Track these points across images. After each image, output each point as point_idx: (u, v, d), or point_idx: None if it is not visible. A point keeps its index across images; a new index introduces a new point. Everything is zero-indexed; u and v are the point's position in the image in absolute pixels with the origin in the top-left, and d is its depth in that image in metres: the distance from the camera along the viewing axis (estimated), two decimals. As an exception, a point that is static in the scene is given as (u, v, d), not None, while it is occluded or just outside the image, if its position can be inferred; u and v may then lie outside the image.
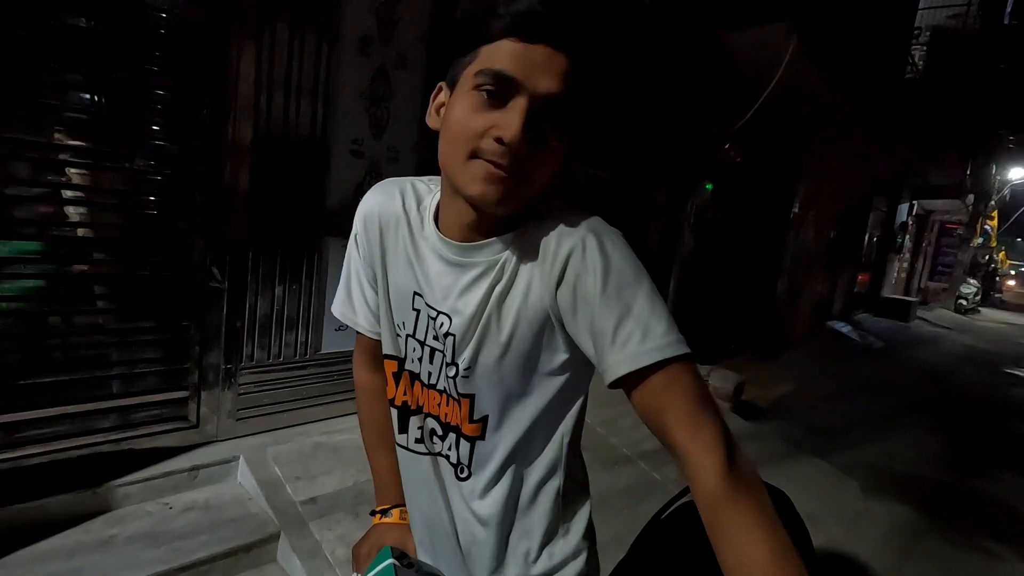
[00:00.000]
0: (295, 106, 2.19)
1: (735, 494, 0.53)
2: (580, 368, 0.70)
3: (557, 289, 0.63)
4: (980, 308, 14.79)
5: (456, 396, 0.72)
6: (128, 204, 1.96)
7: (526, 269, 0.65)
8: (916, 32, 8.87)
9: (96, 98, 1.84)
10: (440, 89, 0.67)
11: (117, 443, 1.95)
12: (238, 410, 2.22)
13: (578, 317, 0.62)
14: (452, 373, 0.71)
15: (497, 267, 0.66)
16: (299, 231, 2.30)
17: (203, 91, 1.96)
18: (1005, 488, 3.74)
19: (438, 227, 0.70)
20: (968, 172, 11.37)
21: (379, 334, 0.82)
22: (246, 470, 2.10)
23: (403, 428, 0.80)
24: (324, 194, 2.36)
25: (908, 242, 12.29)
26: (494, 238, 0.66)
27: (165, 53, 1.91)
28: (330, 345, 2.48)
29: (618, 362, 0.59)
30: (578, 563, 0.76)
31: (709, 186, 4.83)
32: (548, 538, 0.75)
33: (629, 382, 0.59)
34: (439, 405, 0.75)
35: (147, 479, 1.91)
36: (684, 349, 0.59)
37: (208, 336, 2.11)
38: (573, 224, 0.64)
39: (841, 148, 6.77)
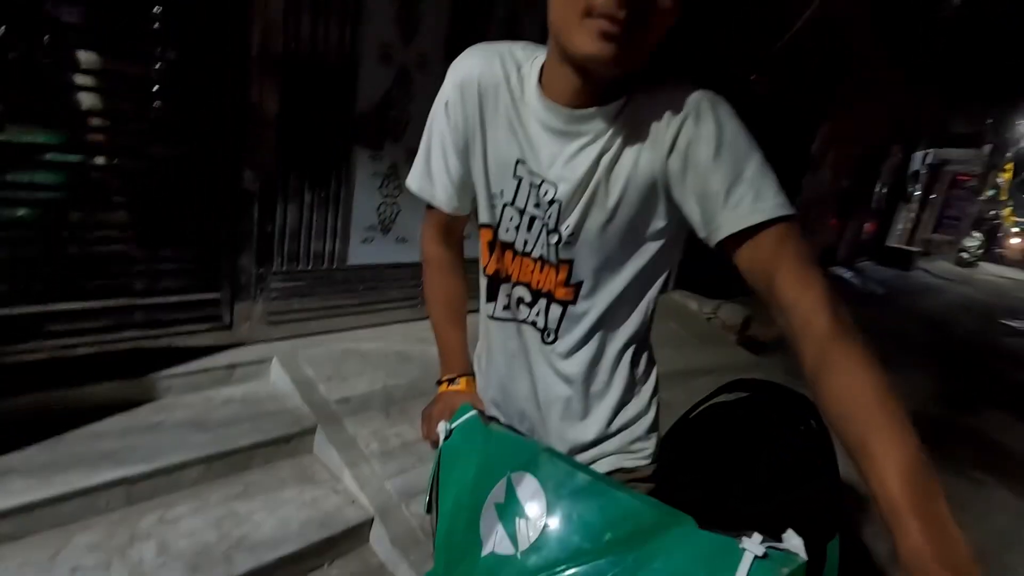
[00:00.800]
0: (324, 8, 2.09)
1: (844, 336, 0.56)
2: (675, 238, 0.72)
3: (669, 155, 0.63)
4: (981, 262, 14.83)
5: (555, 262, 0.73)
6: (150, 96, 1.89)
7: (635, 136, 0.65)
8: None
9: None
10: None
11: (155, 339, 2.01)
12: (269, 314, 2.27)
13: (687, 182, 0.63)
14: (554, 240, 0.72)
15: (606, 135, 0.66)
16: (327, 138, 2.26)
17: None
18: (991, 424, 3.91)
19: (543, 93, 0.69)
20: (990, 121, 11.07)
21: (456, 209, 0.83)
22: (280, 370, 2.17)
23: (492, 297, 0.82)
24: (353, 101, 2.30)
25: (918, 192, 12.15)
26: (602, 106, 0.65)
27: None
28: (356, 257, 2.50)
29: (731, 220, 0.61)
30: (647, 419, 0.81)
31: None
32: (626, 396, 0.79)
33: (738, 240, 0.61)
34: (532, 272, 0.76)
35: (187, 373, 1.99)
36: (792, 210, 0.61)
37: (240, 239, 2.13)
38: (684, 93, 0.64)
39: (867, 89, 6.56)
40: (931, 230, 14.06)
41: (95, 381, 1.80)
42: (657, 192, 0.67)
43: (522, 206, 0.74)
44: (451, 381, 0.93)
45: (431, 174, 0.82)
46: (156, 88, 1.86)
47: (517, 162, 0.72)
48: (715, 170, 0.61)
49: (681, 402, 1.43)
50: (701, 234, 0.65)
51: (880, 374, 0.55)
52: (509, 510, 0.54)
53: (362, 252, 2.51)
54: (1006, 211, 18.07)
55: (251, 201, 2.10)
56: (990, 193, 15.14)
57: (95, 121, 1.78)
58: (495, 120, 0.73)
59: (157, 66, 1.84)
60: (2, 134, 1.60)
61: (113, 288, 1.89)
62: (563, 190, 0.69)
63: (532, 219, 0.74)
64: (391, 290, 2.68)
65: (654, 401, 0.83)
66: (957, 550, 0.45)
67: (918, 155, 10.82)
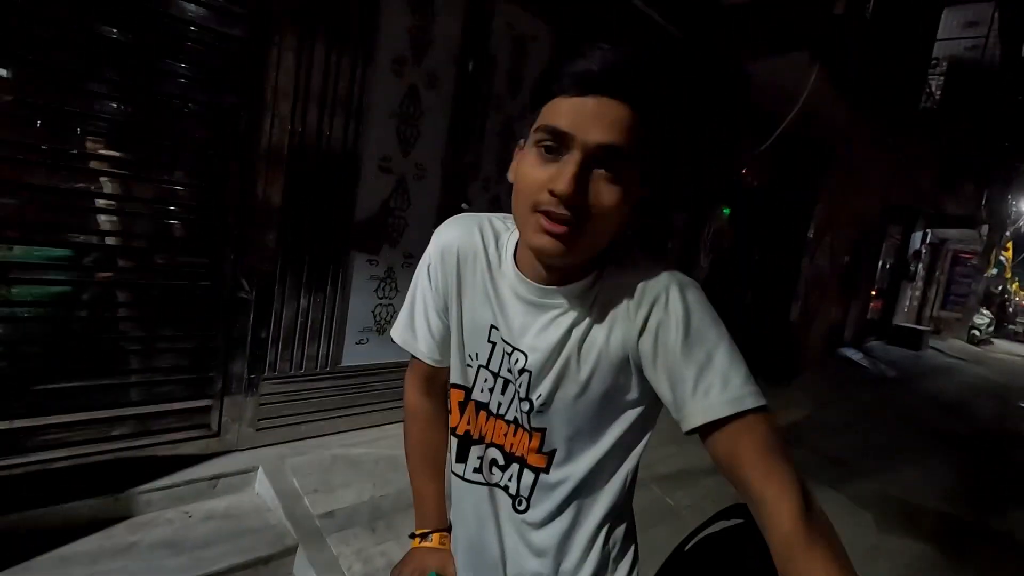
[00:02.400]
0: (329, 123, 2.23)
1: (810, 540, 0.54)
2: (650, 410, 0.72)
3: (640, 336, 0.65)
4: (993, 340, 14.63)
5: (528, 428, 0.73)
6: (160, 214, 2.00)
7: (608, 313, 0.68)
8: (934, 63, 8.90)
9: (132, 109, 1.87)
10: (519, 147, 0.69)
11: (140, 449, 1.97)
12: (258, 420, 2.24)
13: (658, 365, 0.64)
14: (526, 408, 0.72)
15: (578, 310, 0.68)
16: (326, 244, 2.33)
17: (240, 107, 2.01)
18: (1018, 525, 3.68)
19: (517, 266, 0.72)
20: (983, 202, 11.33)
21: (437, 361, 0.84)
22: (265, 481, 2.11)
23: (462, 458, 0.81)
24: (352, 209, 2.39)
25: (921, 271, 12.21)
26: (573, 283, 0.68)
27: (204, 67, 1.95)
28: (350, 358, 2.50)
29: (698, 411, 0.61)
30: None
31: (727, 210, 4.85)
32: (602, 565, 0.76)
33: (707, 430, 0.61)
34: (505, 435, 0.76)
35: (169, 486, 1.93)
36: (762, 400, 0.61)
37: (233, 346, 2.14)
38: (654, 274, 0.66)
39: (857, 175, 6.78)
40: (939, 307, 13.99)
41: (72, 498, 1.76)
42: (630, 368, 0.68)
43: (496, 369, 0.75)
44: (424, 536, 0.91)
45: (414, 327, 0.85)
46: (167, 208, 1.96)
47: (491, 327, 0.74)
48: (684, 355, 0.62)
49: (684, 506, 1.36)
50: (674, 416, 0.65)
51: None
52: None
53: (356, 353, 2.52)
54: (1014, 286, 18.07)
55: (247, 308, 2.14)
56: (994, 271, 15.20)
57: (108, 239, 1.86)
58: (472, 286, 0.76)
59: (171, 187, 1.94)
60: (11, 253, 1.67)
61: (100, 399, 1.89)
62: (533, 360, 0.70)
63: (506, 383, 0.74)
64: (385, 389, 2.65)
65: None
66: None
67: (917, 235, 10.99)
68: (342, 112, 2.26)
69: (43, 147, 1.71)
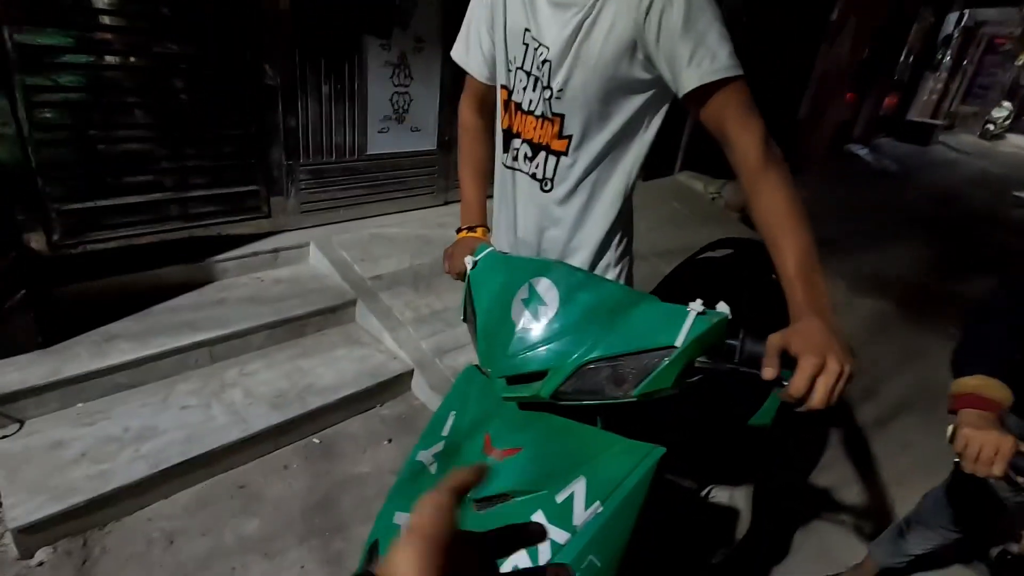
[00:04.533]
0: None
1: (769, 167, 0.77)
2: (653, 100, 0.88)
3: (645, 18, 0.77)
4: (1008, 134, 14.26)
5: (549, 116, 0.91)
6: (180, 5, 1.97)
7: (612, 3, 0.79)
8: None
9: None
10: None
11: (207, 228, 2.24)
12: (302, 204, 2.49)
13: (660, 43, 0.77)
14: (547, 96, 0.88)
15: (589, 4, 0.81)
16: (338, 28, 2.32)
17: None
18: (974, 288, 4.14)
19: None
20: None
21: (488, 78, 1.01)
22: (317, 253, 2.43)
23: (506, 148, 1.01)
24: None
25: (948, 59, 11.44)
26: None
27: None
28: (375, 146, 2.65)
29: (693, 77, 0.76)
30: (621, 267, 1.03)
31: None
32: (605, 244, 0.99)
33: (698, 94, 0.77)
34: (533, 129, 0.94)
35: (238, 257, 2.25)
36: (740, 71, 0.77)
37: (269, 135, 2.28)
38: None
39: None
40: (959, 101, 13.41)
41: (163, 265, 2.07)
42: (635, 51, 0.81)
43: (528, 68, 0.91)
44: (470, 229, 1.14)
45: (469, 46, 1.02)
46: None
47: (525, 31, 0.89)
48: (683, 35, 0.75)
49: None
50: (671, 88, 0.82)
51: (793, 193, 0.76)
52: (532, 301, 0.77)
53: (380, 142, 2.66)
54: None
55: (274, 96, 2.23)
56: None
57: (106, 20, 1.85)
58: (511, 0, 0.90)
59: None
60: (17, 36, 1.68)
61: (161, 184, 2.10)
62: (553, 51, 0.85)
63: (535, 80, 0.90)
64: (409, 177, 2.85)
65: (626, 255, 1.03)
66: (822, 300, 0.69)
67: (952, 17, 10.08)
68: None
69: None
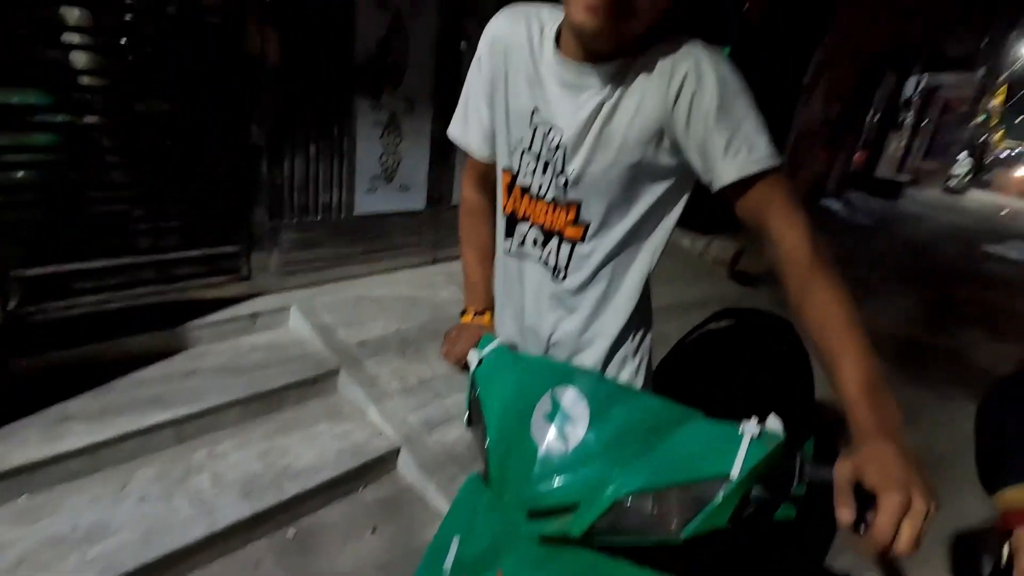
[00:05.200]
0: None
1: (822, 267, 0.69)
2: (680, 183, 0.81)
3: (674, 105, 0.71)
4: (969, 189, 14.93)
5: (564, 202, 0.82)
6: (155, 50, 1.90)
7: (638, 87, 0.73)
8: None
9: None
10: None
11: (181, 291, 2.11)
12: (284, 264, 2.37)
13: (691, 130, 0.71)
14: (562, 182, 0.80)
15: (609, 86, 0.74)
16: (328, 88, 2.28)
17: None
18: (962, 343, 4.17)
19: (559, 49, 0.77)
20: (984, 43, 10.87)
21: (488, 156, 0.94)
22: (299, 317, 2.30)
23: (509, 233, 0.92)
24: (350, 50, 2.30)
25: (910, 119, 12.06)
26: (608, 61, 0.73)
27: None
28: (363, 207, 2.57)
29: (729, 170, 0.70)
30: (639, 358, 0.93)
31: (727, 49, 4.65)
32: (622, 336, 0.90)
33: (735, 188, 0.71)
34: (545, 214, 0.86)
35: (215, 323, 2.11)
36: (780, 160, 0.71)
37: (252, 192, 2.19)
38: (686, 47, 0.71)
39: (862, 14, 6.42)
40: (921, 158, 14.06)
41: (130, 334, 1.92)
42: (661, 138, 0.75)
43: (537, 151, 0.83)
44: (478, 313, 1.05)
45: (468, 123, 0.94)
46: (148, 43, 1.86)
47: (533, 111, 0.82)
48: (717, 122, 0.69)
49: (675, 334, 1.57)
50: (703, 179, 0.74)
51: (850, 300, 0.67)
52: (556, 416, 0.67)
53: (368, 201, 2.59)
54: (997, 135, 18.01)
55: (259, 155, 2.16)
56: (981, 118, 15.07)
57: (85, 79, 1.78)
58: (517, 75, 0.83)
59: (147, 20, 1.84)
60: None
61: (135, 246, 1.98)
62: (568, 135, 0.78)
63: (546, 164, 0.83)
64: (397, 237, 2.77)
65: (645, 344, 0.93)
66: (893, 422, 0.60)
67: (911, 81, 10.69)
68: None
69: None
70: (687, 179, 0.80)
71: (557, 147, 0.80)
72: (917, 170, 13.71)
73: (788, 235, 0.70)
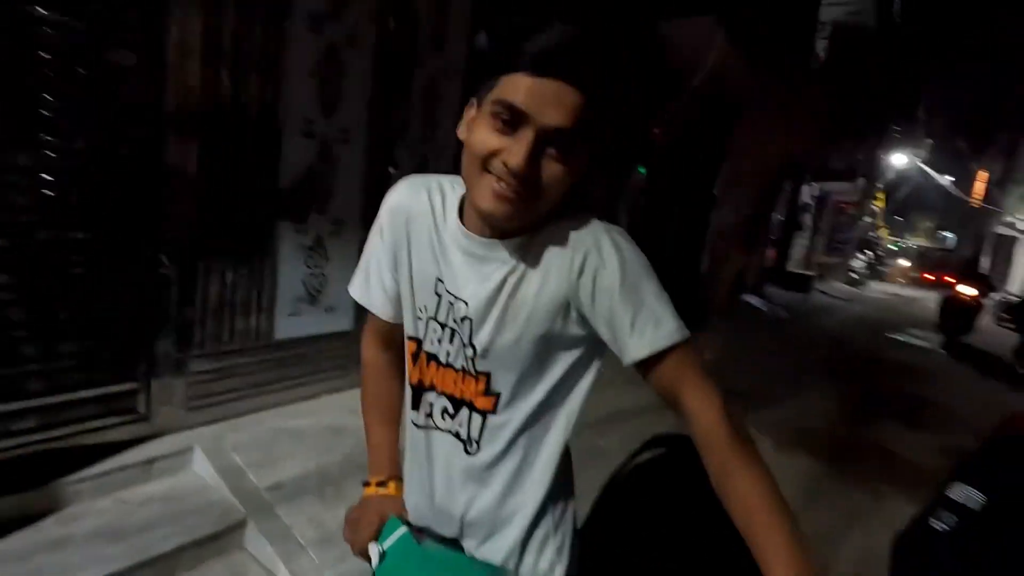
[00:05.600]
0: (243, 84, 2.10)
1: (739, 446, 0.67)
2: (590, 351, 0.78)
3: (578, 280, 0.71)
4: (868, 280, 16.51)
5: (474, 373, 0.78)
6: (67, 185, 1.81)
7: (542, 263, 0.74)
8: (820, 26, 9.58)
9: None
10: (472, 105, 0.73)
11: (62, 440, 1.85)
12: (190, 400, 2.16)
13: (596, 306, 0.71)
14: (470, 354, 0.78)
15: (515, 260, 0.74)
16: (250, 213, 2.23)
17: (144, 65, 1.85)
18: (886, 436, 4.34)
19: (462, 222, 0.77)
20: (861, 157, 12.58)
21: (393, 316, 0.89)
22: (203, 460, 2.06)
23: (415, 405, 0.86)
24: (276, 175, 2.29)
25: (809, 221, 13.46)
26: (512, 237, 0.74)
27: (94, 21, 1.76)
28: (284, 331, 2.44)
29: (638, 347, 0.70)
30: (561, 535, 0.84)
31: (642, 169, 5.07)
32: (542, 511, 0.82)
33: (647, 363, 0.70)
34: (454, 383, 0.81)
35: (99, 475, 1.84)
36: (687, 333, 0.71)
37: (157, 324, 2.03)
38: (586, 224, 0.73)
39: (758, 132, 7.28)
40: (822, 254, 15.55)
41: (-11, 496, 1.64)
42: (568, 310, 0.74)
43: (443, 320, 0.80)
44: (381, 484, 0.94)
45: (370, 286, 0.90)
46: (52, 173, 1.76)
47: (437, 280, 0.80)
48: (621, 297, 0.70)
49: (615, 450, 1.50)
50: (614, 350, 0.73)
51: (772, 484, 0.66)
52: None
53: (290, 325, 2.46)
54: (883, 232, 20.37)
55: (167, 285, 2.02)
56: (868, 219, 17.05)
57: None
58: (420, 244, 0.81)
59: (54, 150, 1.76)
60: None
61: (16, 388, 1.74)
62: (473, 307, 0.76)
63: (453, 333, 0.80)
64: (322, 360, 2.63)
65: (567, 516, 0.86)
66: None
67: (806, 188, 12.05)
68: (257, 72, 2.14)
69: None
70: (599, 344, 0.78)
71: (464, 319, 0.78)
72: (821, 265, 15.10)
73: (704, 413, 0.69)
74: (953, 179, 18.05)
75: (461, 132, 0.74)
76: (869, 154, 13.58)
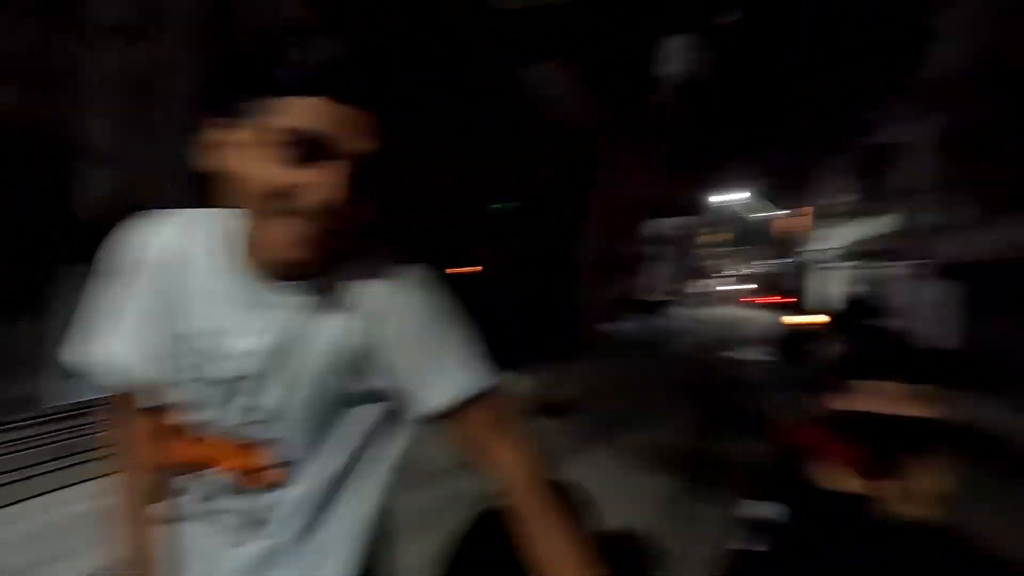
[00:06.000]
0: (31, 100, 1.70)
1: (548, 500, 0.66)
2: (397, 408, 0.68)
3: (371, 328, 0.63)
4: (714, 303, 18.52)
5: (261, 442, 0.65)
6: None
7: (335, 308, 0.63)
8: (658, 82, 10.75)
9: None
10: (216, 125, 0.58)
11: None
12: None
13: (394, 355, 0.64)
14: (253, 418, 0.64)
15: (302, 306, 0.63)
16: (33, 256, 1.79)
17: None
18: (734, 448, 4.69)
19: (238, 264, 0.63)
20: (699, 196, 14.21)
21: (150, 380, 0.68)
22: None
23: (186, 490, 0.69)
24: (61, 208, 1.88)
25: (666, 254, 14.86)
26: (299, 280, 0.62)
27: None
28: (60, 397, 1.97)
29: (440, 395, 0.64)
30: None
31: (512, 206, 5.14)
32: None
33: (450, 414, 0.65)
34: (236, 455, 0.65)
35: None
36: (495, 380, 0.67)
37: None
38: (383, 264, 0.65)
39: (616, 172, 7.86)
40: (675, 282, 17.21)
41: None
42: (365, 361, 0.64)
43: (218, 379, 0.64)
44: None
45: (120, 343, 0.68)
46: None
47: (207, 334, 0.63)
48: (420, 345, 0.65)
49: (477, 494, 1.37)
50: (412, 405, 0.66)
51: (577, 541, 0.64)
52: None
53: (67, 391, 2.00)
54: (726, 261, 23.15)
55: None
56: (713, 250, 19.25)
57: None
58: (183, 291, 0.65)
59: None
60: None
61: None
62: (254, 362, 0.63)
63: (231, 394, 0.64)
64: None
65: None
66: None
67: (662, 224, 13.30)
68: (51, 89, 1.75)
69: None
70: (401, 406, 0.69)
71: (241, 377, 0.63)
72: (676, 292, 16.67)
73: (511, 466, 0.67)
74: (787, 212, 21.10)
75: (215, 161, 0.59)
76: (717, 192, 15.37)
